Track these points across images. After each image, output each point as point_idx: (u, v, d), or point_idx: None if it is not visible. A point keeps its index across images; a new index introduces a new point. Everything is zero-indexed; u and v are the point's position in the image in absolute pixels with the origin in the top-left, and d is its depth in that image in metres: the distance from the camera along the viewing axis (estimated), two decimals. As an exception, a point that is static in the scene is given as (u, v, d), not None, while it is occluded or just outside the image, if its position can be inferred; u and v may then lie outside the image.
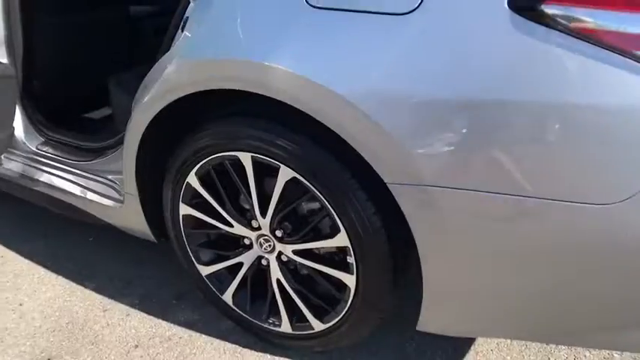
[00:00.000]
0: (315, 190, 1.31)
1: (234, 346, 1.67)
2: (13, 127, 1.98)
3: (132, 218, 1.75)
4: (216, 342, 1.69)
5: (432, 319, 1.34)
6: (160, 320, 1.77)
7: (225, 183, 1.48)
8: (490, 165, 1.07)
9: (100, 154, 1.88)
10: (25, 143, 2.02)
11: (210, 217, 1.56)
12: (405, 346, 1.67)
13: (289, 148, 1.29)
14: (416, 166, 1.12)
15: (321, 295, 1.51)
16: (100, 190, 1.82)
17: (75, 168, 1.90)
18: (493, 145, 1.06)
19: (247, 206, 1.51)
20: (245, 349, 1.66)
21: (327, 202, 1.31)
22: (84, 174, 1.88)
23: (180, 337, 1.70)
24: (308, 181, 1.31)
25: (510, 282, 1.19)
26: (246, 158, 1.38)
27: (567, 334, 1.26)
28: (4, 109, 1.90)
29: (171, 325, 1.75)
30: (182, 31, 1.42)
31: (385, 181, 1.18)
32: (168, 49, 1.49)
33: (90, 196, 1.83)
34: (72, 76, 2.31)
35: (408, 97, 1.09)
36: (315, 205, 1.40)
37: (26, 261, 2.06)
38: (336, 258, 1.44)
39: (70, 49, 2.28)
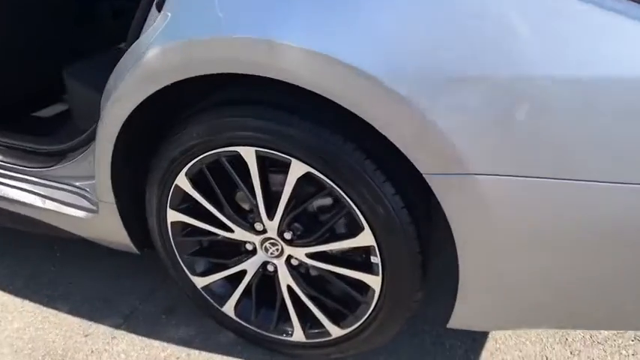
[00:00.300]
0: (335, 186, 1.14)
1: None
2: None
3: (108, 229, 1.53)
4: (219, 358, 1.51)
5: (466, 315, 1.23)
6: (152, 340, 1.58)
7: (220, 183, 1.30)
8: (546, 149, 0.95)
9: (62, 159, 1.63)
10: (-36, 151, 1.74)
11: (204, 222, 1.37)
12: (424, 338, 1.56)
13: (303, 139, 1.12)
14: (460, 155, 0.98)
15: (338, 298, 1.36)
16: (67, 200, 1.58)
17: (32, 176, 1.64)
18: (549, 126, 0.93)
19: (248, 207, 1.33)
20: (254, 364, 1.50)
21: (348, 199, 1.15)
22: (44, 182, 1.62)
23: (178, 358, 1.52)
24: (326, 176, 1.14)
25: (560, 271, 1.08)
26: (248, 154, 1.19)
27: (617, 319, 1.17)
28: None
29: (165, 344, 1.56)
30: (159, 10, 1.20)
31: (422, 172, 1.03)
32: (139, 34, 1.27)
33: (54, 207, 1.58)
34: (12, 67, 2.01)
35: (452, 77, 0.94)
36: (329, 202, 1.25)
37: (-17, 286, 1.80)
38: (358, 259, 1.29)
39: (6, 34, 1.97)
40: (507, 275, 1.11)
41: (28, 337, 1.60)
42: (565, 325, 1.27)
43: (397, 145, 1.02)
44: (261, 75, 1.05)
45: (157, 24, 1.17)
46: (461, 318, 1.22)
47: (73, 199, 1.58)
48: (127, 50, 1.29)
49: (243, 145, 1.18)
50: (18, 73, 2.04)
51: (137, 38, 1.27)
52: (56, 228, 1.61)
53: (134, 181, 1.44)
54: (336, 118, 1.09)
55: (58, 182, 1.61)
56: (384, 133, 1.02)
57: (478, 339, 1.57)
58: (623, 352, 1.52)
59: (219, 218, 1.33)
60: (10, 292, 1.77)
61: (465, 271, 1.12)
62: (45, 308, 1.70)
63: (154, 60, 1.15)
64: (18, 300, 1.73)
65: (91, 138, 1.54)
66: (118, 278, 1.82)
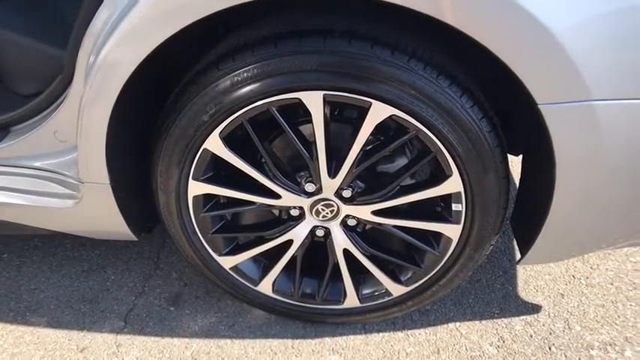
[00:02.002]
0: (426, 129, 0.96)
1: (281, 341, 1.31)
2: None
3: (97, 216, 1.21)
4: (257, 343, 1.31)
5: (549, 247, 1.15)
6: (168, 338, 1.31)
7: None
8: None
9: (5, 135, 1.24)
10: None
11: (244, 192, 1.11)
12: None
13: (391, 76, 0.91)
14: (584, 80, 0.85)
15: (402, 255, 1.22)
16: (27, 188, 1.21)
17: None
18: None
19: (286, 165, 1.11)
20: (297, 341, 1.31)
21: (439, 142, 0.98)
22: (-13, 169, 1.23)
23: (208, 353, 1.28)
24: (415, 118, 0.95)
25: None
26: (313, 99, 0.95)
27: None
28: None
29: (187, 339, 1.31)
30: None
31: (537, 102, 0.89)
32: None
33: (10, 199, 1.21)
34: None
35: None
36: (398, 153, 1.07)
37: None
38: (434, 209, 1.13)
39: None
40: (602, 197, 1.04)
41: (5, 366, 1.25)
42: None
43: (517, 74, 0.86)
44: None
45: None
46: (541, 251, 1.14)
47: (38, 186, 1.21)
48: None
49: (307, 90, 0.94)
50: None
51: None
52: (21, 226, 1.23)
53: (135, 153, 1.13)
54: (427, 50, 0.91)
55: (9, 166, 1.23)
56: (507, 63, 0.85)
57: (508, 270, 1.54)
58: (632, 259, 1.58)
59: (264, 183, 1.09)
60: (-44, 314, 1.37)
61: (561, 196, 1.02)
62: (14, 326, 1.33)
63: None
64: (-27, 322, 1.35)
65: (47, 103, 1.18)
66: (94, 272, 1.49)
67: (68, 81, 1.11)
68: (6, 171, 1.22)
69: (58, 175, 1.20)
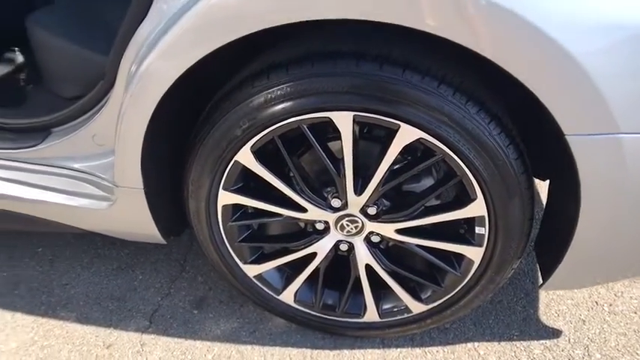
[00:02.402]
0: (452, 154, 0.98)
1: (300, 350, 1.34)
2: None
3: (128, 219, 1.25)
4: (277, 350, 1.33)
5: (566, 278, 1.15)
6: (191, 340, 1.35)
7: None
8: None
9: (46, 136, 1.29)
10: None
11: (269, 203, 1.14)
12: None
13: (421, 100, 0.93)
14: (612, 113, 0.86)
15: (423, 273, 1.23)
16: (66, 188, 1.26)
17: (10, 160, 1.29)
18: None
19: (313, 180, 1.14)
20: (316, 351, 1.33)
21: (464, 167, 0.99)
22: (30, 167, 1.28)
23: (229, 357, 1.32)
24: (442, 142, 0.97)
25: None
26: (344, 119, 0.98)
27: None
28: None
29: (209, 343, 1.35)
30: None
31: (565, 133, 0.90)
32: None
33: (47, 197, 1.26)
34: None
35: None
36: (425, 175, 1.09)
37: (-48, 301, 1.44)
38: (457, 230, 1.15)
39: None
40: (627, 226, 1.04)
41: (35, 359, 1.30)
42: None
43: (546, 105, 0.87)
44: (401, 24, 0.83)
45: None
46: (564, 277, 1.14)
47: (74, 186, 1.27)
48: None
49: (338, 110, 0.97)
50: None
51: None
52: (56, 224, 1.29)
53: (169, 161, 1.17)
54: (457, 76, 0.93)
55: (49, 166, 1.28)
56: (538, 95, 0.86)
57: (530, 293, 1.53)
58: (657, 286, 1.55)
59: (291, 197, 1.12)
60: (-6, 303, 1.44)
61: (586, 224, 1.02)
62: (45, 319, 1.39)
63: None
64: (7, 313, 1.41)
65: (88, 107, 1.23)
66: (123, 271, 1.54)
67: (108, 87, 1.16)
68: (45, 170, 1.27)
69: (94, 177, 1.25)
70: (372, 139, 1.09)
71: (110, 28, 1.39)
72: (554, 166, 1.13)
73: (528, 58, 0.85)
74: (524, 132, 1.04)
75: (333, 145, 1.09)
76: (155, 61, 0.97)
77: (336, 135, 1.02)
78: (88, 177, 1.25)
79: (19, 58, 1.85)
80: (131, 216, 1.24)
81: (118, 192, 1.20)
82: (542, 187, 1.43)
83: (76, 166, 1.27)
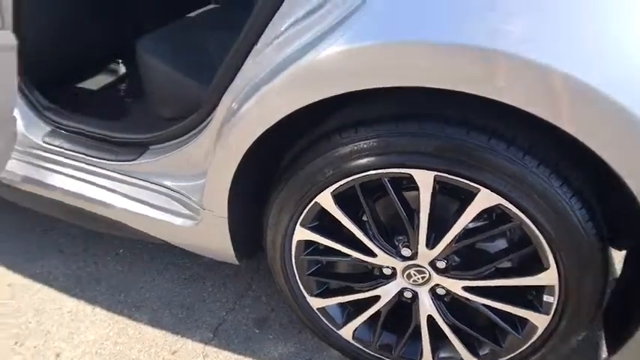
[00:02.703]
0: (530, 223, 0.99)
1: (352, 385, 1.37)
2: (15, 117, 1.43)
3: (209, 239, 1.34)
4: (329, 382, 1.38)
5: (634, 355, 1.11)
6: (248, 358, 1.42)
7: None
8: None
9: (143, 151, 1.41)
10: (25, 135, 1.49)
11: (341, 244, 1.19)
12: None
13: (504, 167, 0.95)
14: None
15: (484, 331, 1.23)
16: (156, 203, 1.37)
17: (109, 170, 1.42)
18: None
19: (386, 227, 1.17)
20: (367, 389, 1.36)
21: (541, 236, 1.00)
22: (125, 179, 1.40)
23: (284, 381, 1.38)
24: (521, 211, 0.98)
25: None
26: (425, 178, 1.01)
27: None
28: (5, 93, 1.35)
29: (266, 364, 1.41)
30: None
31: (636, 196, 0.89)
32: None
33: (140, 209, 1.37)
34: (65, 35, 1.73)
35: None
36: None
37: (44, 288, 1.58)
38: (525, 295, 1.15)
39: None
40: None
41: (108, 353, 1.41)
42: None
43: (619, 174, 0.87)
44: (480, 94, 0.87)
45: (334, 17, 0.95)
46: (632, 354, 1.10)
47: (164, 202, 1.37)
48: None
49: (420, 169, 1.01)
50: (71, 42, 1.76)
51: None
52: (141, 232, 1.40)
53: (253, 194, 1.25)
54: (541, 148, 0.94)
55: (143, 180, 1.40)
56: (611, 163, 0.86)
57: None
58: None
59: (362, 241, 1.16)
60: (77, 296, 1.57)
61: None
62: (119, 317, 1.51)
63: (338, 59, 0.92)
64: (88, 307, 1.53)
65: (186, 131, 1.33)
66: (194, 281, 1.64)
67: (207, 114, 1.25)
68: (139, 184, 1.38)
69: (182, 197, 1.35)
70: (449, 194, 1.12)
71: (211, 58, 1.50)
72: (632, 235, 1.11)
73: (610, 138, 0.85)
74: (602, 200, 1.03)
75: (408, 194, 1.13)
76: (257, 105, 1.04)
77: (414, 184, 1.05)
78: (178, 195, 1.35)
79: (122, 69, 2.02)
80: (212, 237, 1.32)
81: (204, 214, 1.29)
82: (618, 255, 1.39)
83: (168, 183, 1.37)
